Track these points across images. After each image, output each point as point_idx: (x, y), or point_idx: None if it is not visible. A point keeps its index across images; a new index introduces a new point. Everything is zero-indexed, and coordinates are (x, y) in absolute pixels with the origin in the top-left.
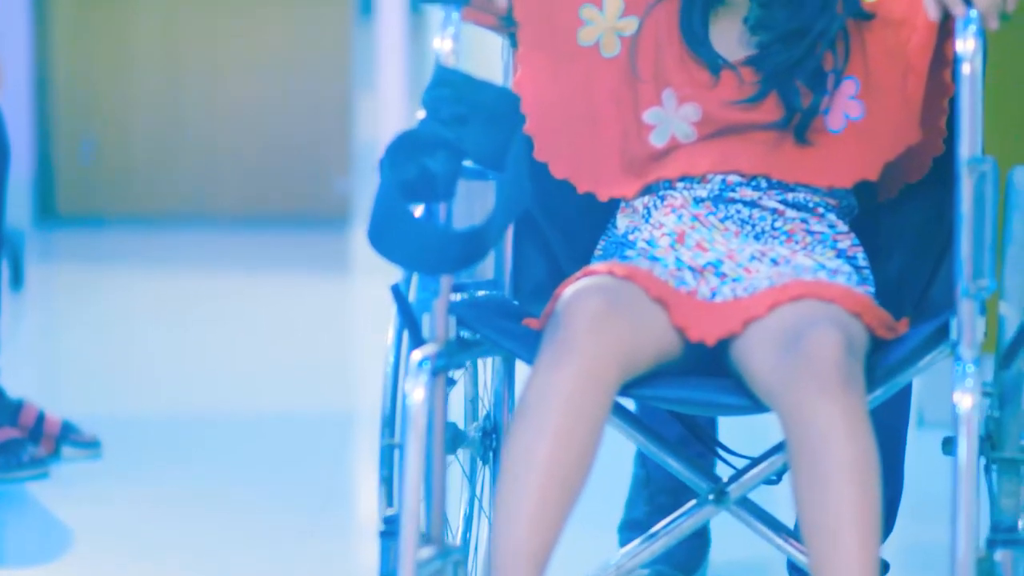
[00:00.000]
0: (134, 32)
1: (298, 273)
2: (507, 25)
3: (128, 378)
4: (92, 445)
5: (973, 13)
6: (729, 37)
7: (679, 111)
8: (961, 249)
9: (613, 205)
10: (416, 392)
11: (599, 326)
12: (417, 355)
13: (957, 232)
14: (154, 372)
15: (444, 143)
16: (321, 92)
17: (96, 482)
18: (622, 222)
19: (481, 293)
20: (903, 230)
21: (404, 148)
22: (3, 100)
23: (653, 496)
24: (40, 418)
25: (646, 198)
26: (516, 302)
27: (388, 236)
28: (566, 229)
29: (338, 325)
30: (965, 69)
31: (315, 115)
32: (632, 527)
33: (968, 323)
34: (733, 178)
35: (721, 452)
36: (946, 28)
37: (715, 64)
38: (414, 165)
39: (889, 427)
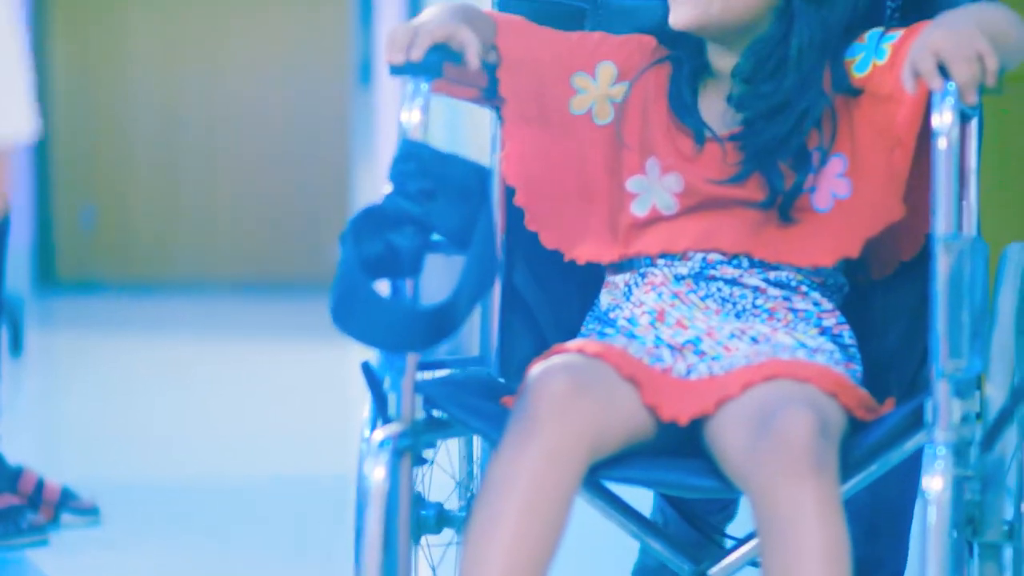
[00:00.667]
0: (133, 99)
1: (296, 339)
2: (489, 98)
3: (128, 444)
4: (91, 512)
5: (951, 86)
6: (717, 109)
7: (662, 180)
8: (937, 328)
9: (601, 280)
10: (376, 472)
11: (565, 406)
12: (379, 434)
13: (933, 311)
14: (153, 438)
15: (410, 218)
16: (319, 159)
17: (95, 549)
18: (605, 299)
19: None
20: (898, 309)
21: (369, 223)
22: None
23: None
24: (39, 485)
25: (627, 275)
26: (502, 379)
27: (351, 313)
28: (554, 303)
29: (335, 391)
30: (940, 144)
31: (313, 182)
32: None
33: (944, 405)
34: (714, 256)
35: (708, 533)
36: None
37: (700, 134)
38: (379, 241)
39: (895, 501)
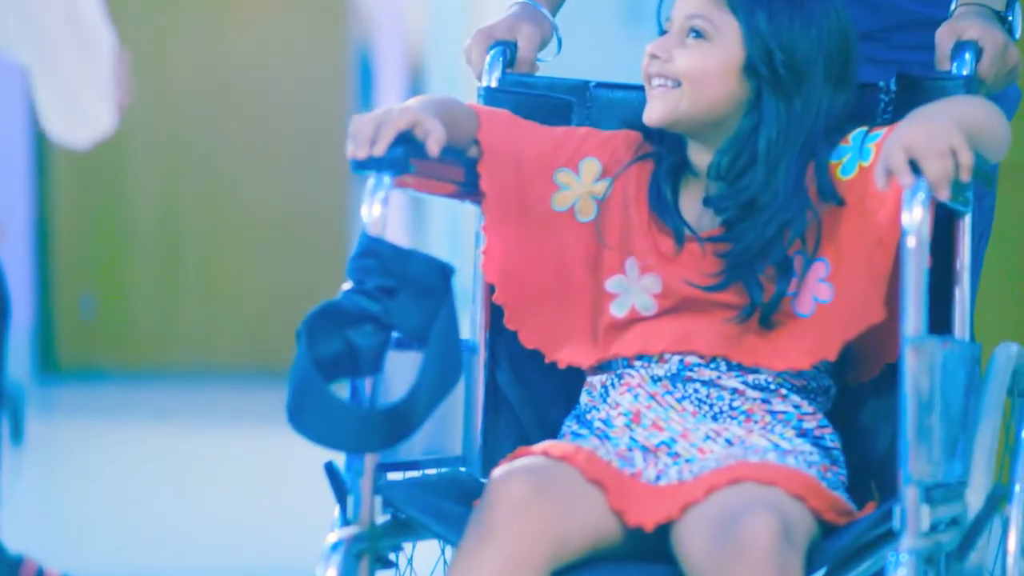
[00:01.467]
0: (133, 188)
1: None
2: (469, 193)
3: (128, 533)
4: None
5: (922, 183)
6: (697, 208)
7: (640, 281)
8: (906, 433)
9: (584, 378)
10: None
11: (523, 510)
12: (332, 537)
13: (901, 415)
14: (154, 527)
15: (369, 316)
16: (318, 249)
17: None
18: (584, 399)
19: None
20: (887, 412)
21: (327, 320)
22: (3, 253)
23: None
24: (39, 573)
25: (604, 376)
26: (484, 479)
27: (305, 414)
28: (537, 402)
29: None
30: (909, 242)
31: (313, 271)
32: None
33: (912, 512)
34: (691, 359)
35: None
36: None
37: (680, 234)
38: (338, 339)
39: None
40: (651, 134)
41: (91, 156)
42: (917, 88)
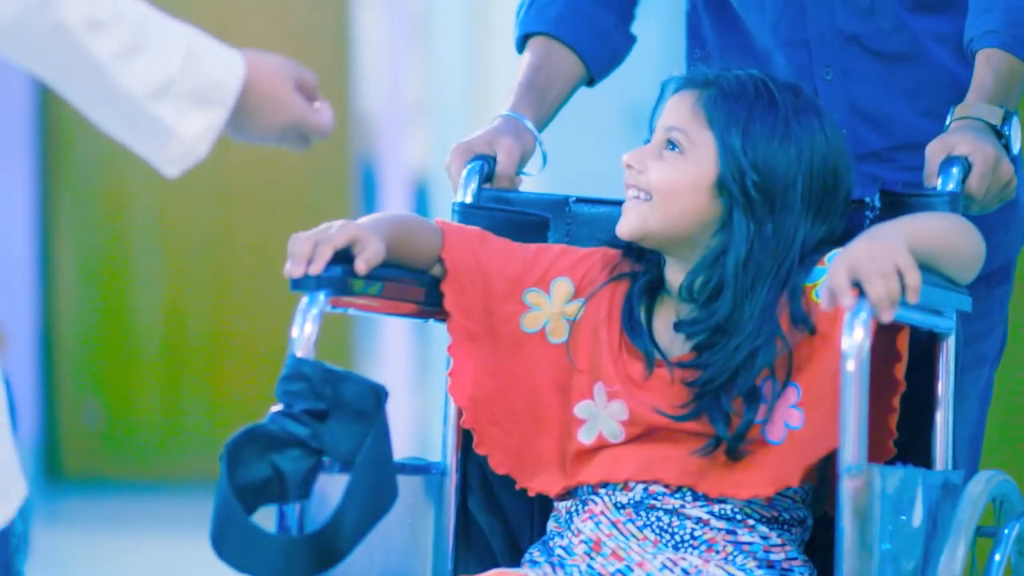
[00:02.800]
0: (137, 294)
1: None
2: (432, 312)
3: None
4: None
5: (863, 304)
6: (670, 330)
7: (608, 408)
8: (842, 566)
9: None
10: None
11: None
12: None
13: (837, 546)
14: None
15: (297, 440)
16: (324, 346)
17: None
18: (550, 525)
19: None
20: None
21: (253, 444)
22: (7, 362)
23: None
24: None
25: (569, 503)
26: None
27: (227, 541)
28: (507, 528)
29: None
30: (849, 366)
31: None
32: None
33: None
34: (656, 487)
35: None
36: (894, 325)
37: (650, 358)
38: (264, 464)
39: None
40: (630, 251)
41: (95, 262)
42: (901, 204)
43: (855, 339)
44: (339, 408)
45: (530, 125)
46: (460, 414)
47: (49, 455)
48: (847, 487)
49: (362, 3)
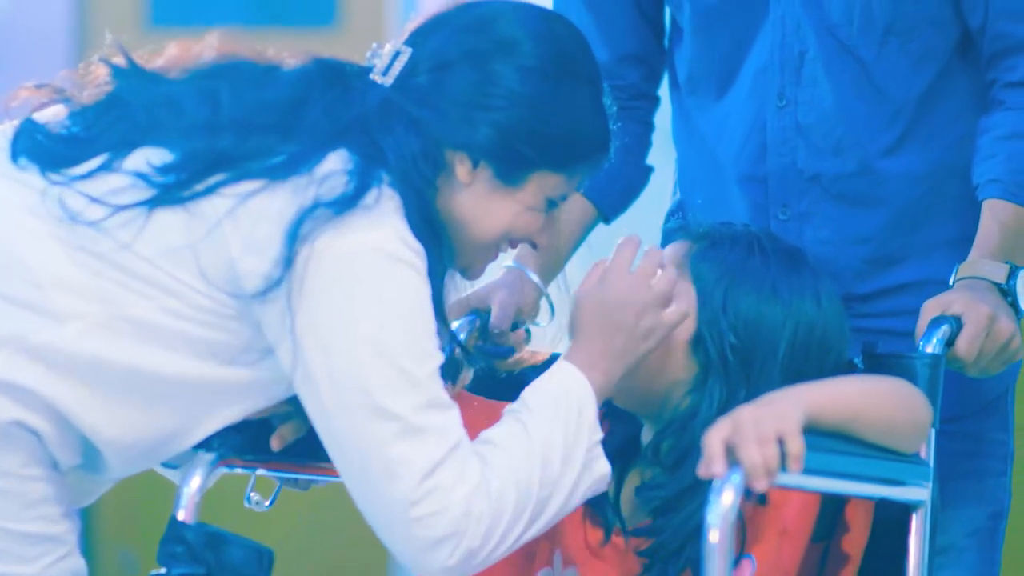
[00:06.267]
0: None
1: None
2: None
3: None
4: None
5: (737, 472)
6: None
7: (563, 575)
8: None
9: None
10: None
11: None
12: None
13: None
14: None
15: None
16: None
17: None
18: None
19: None
20: None
21: None
22: None
23: None
24: None
25: None
26: None
27: None
28: None
29: None
30: (712, 537)
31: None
32: None
33: None
34: None
35: None
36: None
37: (608, 527)
38: None
39: None
40: (609, 412)
41: None
42: (882, 366)
43: (720, 509)
44: (220, 572)
45: (534, 276)
46: None
47: None
48: None
49: None
